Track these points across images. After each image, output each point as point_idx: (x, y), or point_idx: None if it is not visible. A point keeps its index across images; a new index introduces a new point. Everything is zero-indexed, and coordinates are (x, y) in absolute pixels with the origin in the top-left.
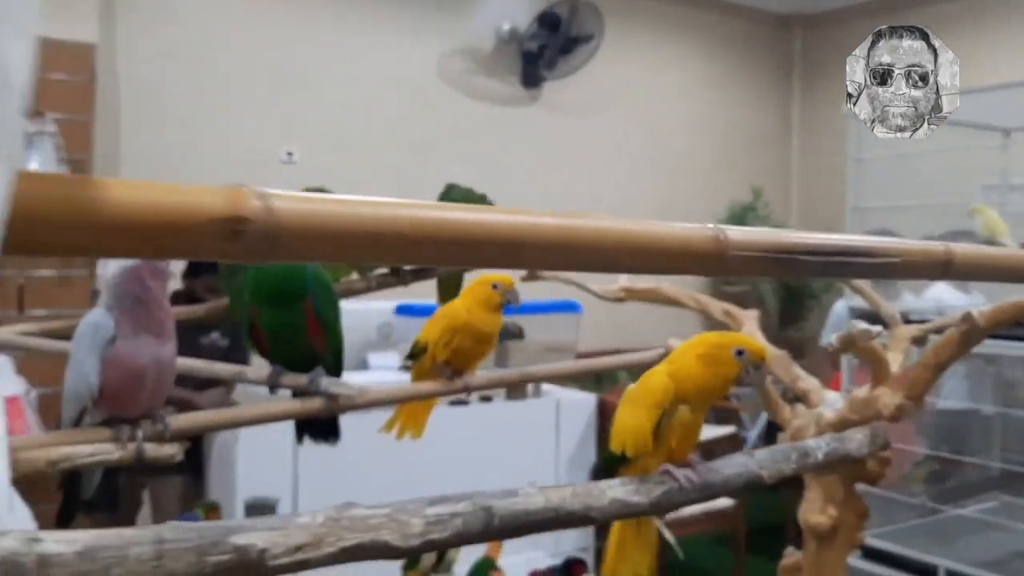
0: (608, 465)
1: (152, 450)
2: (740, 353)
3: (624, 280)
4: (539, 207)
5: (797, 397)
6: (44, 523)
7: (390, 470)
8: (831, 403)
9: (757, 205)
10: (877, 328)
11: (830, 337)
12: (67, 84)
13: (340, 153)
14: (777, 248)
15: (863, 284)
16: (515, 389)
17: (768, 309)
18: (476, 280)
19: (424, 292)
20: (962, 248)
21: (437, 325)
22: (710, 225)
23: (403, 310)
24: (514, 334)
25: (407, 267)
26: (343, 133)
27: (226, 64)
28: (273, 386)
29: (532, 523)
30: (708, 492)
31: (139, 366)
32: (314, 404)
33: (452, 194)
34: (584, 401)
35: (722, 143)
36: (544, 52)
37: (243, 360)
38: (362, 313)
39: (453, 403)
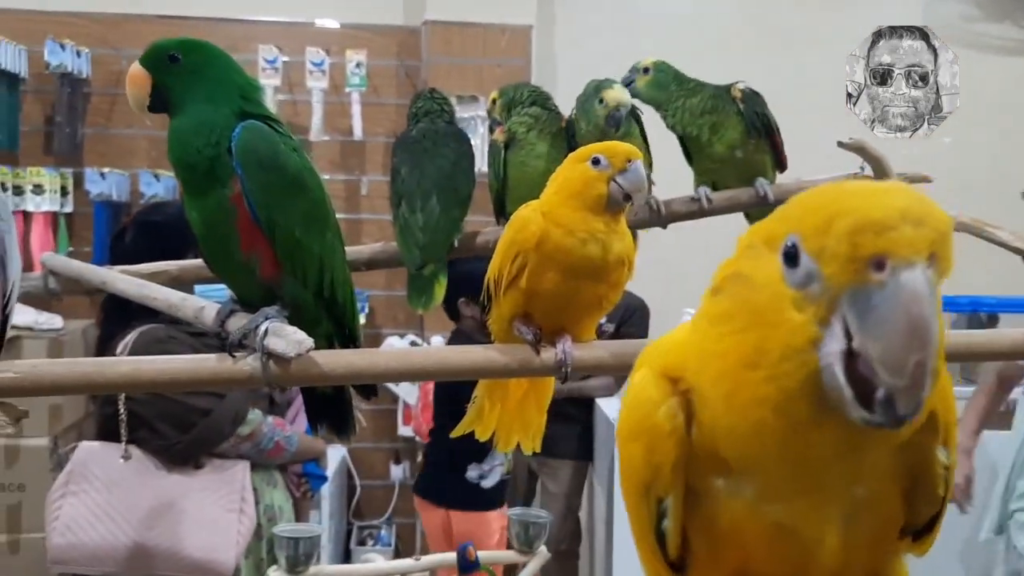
0: None
1: None
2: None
3: None
4: None
5: None
6: None
7: None
8: None
9: None
10: None
11: None
12: (503, 67)
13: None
14: None
15: None
16: (1000, 417)
17: None
18: (571, 155)
19: None
20: None
21: (501, 246)
22: None
23: None
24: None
25: None
26: (790, 102)
27: (666, 41)
28: (217, 334)
29: None
30: None
31: None
32: (241, 369)
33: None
34: None
35: None
36: None
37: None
38: None
39: None
